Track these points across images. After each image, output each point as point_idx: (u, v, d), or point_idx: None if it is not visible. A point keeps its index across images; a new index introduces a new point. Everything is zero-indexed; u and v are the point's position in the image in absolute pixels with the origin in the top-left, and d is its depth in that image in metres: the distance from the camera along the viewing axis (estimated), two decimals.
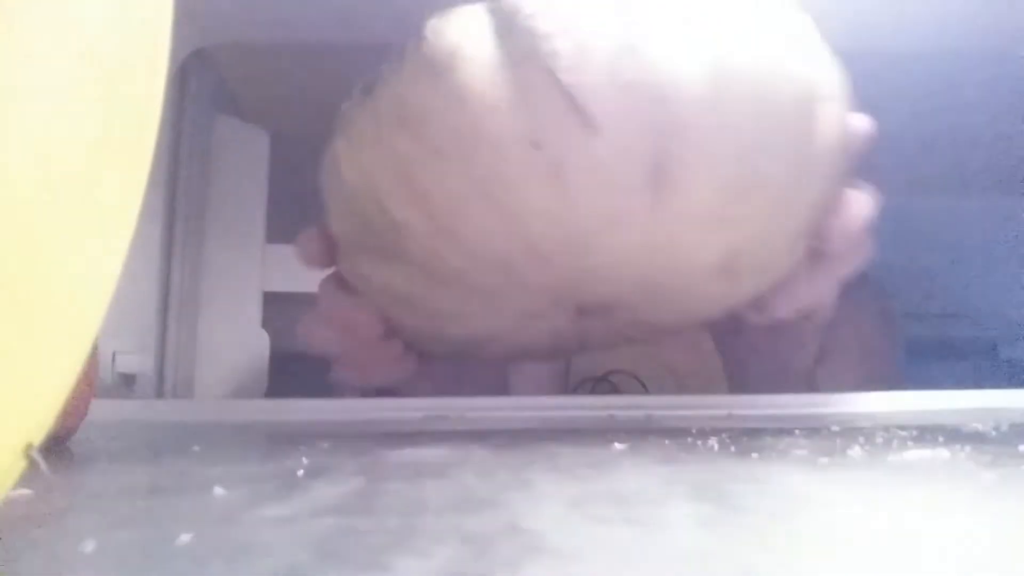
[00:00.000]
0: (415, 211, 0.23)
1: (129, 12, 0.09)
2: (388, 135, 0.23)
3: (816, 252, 0.27)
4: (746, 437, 0.22)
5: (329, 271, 0.29)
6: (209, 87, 0.50)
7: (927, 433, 0.22)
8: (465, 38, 0.22)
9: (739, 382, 0.37)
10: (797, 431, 0.23)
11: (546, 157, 0.21)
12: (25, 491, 0.14)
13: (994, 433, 0.22)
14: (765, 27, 0.23)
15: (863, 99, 0.50)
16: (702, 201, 0.23)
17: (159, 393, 0.45)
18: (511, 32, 0.22)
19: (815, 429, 0.23)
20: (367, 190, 0.24)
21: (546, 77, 0.21)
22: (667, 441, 0.21)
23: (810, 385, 0.37)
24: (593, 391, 0.46)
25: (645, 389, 0.45)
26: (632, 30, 0.21)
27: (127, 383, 0.41)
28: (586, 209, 0.22)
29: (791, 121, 0.23)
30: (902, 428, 0.23)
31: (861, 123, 0.28)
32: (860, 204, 0.28)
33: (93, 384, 0.22)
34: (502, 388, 0.38)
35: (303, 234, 0.27)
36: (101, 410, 0.23)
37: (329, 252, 0.27)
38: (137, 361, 0.41)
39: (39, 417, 0.11)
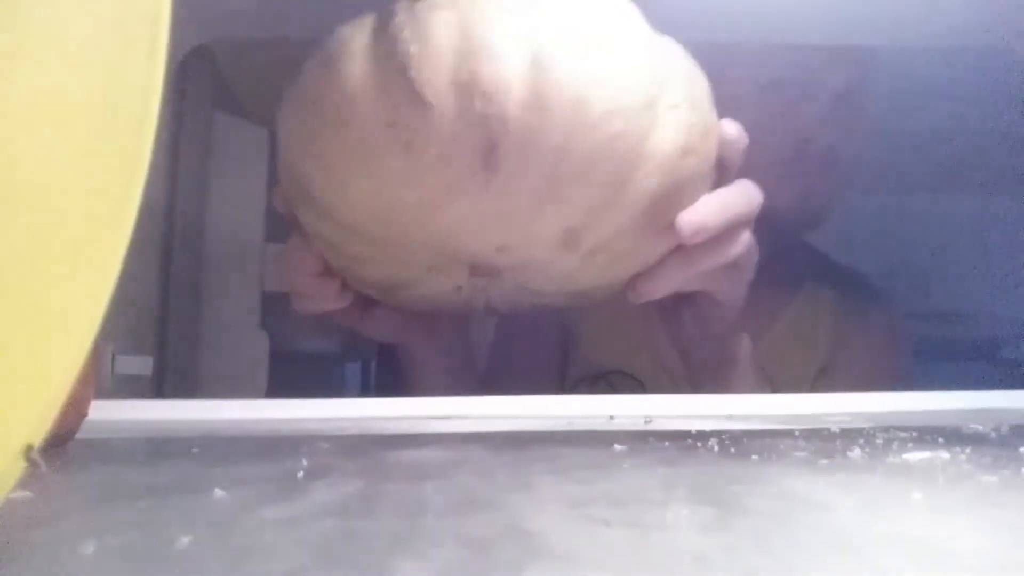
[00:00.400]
0: (314, 167, 0.29)
1: (126, 9, 0.09)
2: (297, 108, 0.30)
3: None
4: (746, 439, 0.22)
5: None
6: (208, 84, 0.50)
7: (927, 435, 0.22)
8: (352, 37, 0.29)
9: (690, 374, 0.39)
10: (797, 432, 0.23)
11: (399, 134, 0.27)
12: (25, 493, 0.14)
13: (994, 435, 0.22)
14: (597, 41, 0.27)
15: (863, 97, 0.50)
16: (526, 184, 0.27)
17: (159, 394, 0.45)
18: (384, 35, 0.28)
19: (815, 430, 0.23)
20: (287, 148, 0.31)
21: (401, 73, 0.27)
22: (667, 443, 0.21)
23: (761, 377, 0.38)
24: (591, 391, 0.46)
25: (643, 388, 0.45)
26: (471, 41, 0.26)
27: (127, 384, 0.41)
28: (431, 179, 0.27)
29: (614, 126, 0.27)
30: (902, 430, 0.23)
31: (729, 129, 0.31)
32: (718, 204, 0.30)
33: (92, 385, 0.22)
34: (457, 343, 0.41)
35: (276, 187, 0.34)
36: (100, 411, 0.22)
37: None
38: (136, 362, 0.41)
39: (38, 418, 0.11)
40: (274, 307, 0.51)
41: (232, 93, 0.53)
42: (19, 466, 0.11)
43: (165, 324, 0.46)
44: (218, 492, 0.15)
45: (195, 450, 0.21)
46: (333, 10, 0.32)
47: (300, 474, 0.17)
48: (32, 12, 0.07)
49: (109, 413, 0.26)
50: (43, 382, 0.11)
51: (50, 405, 0.11)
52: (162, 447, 0.24)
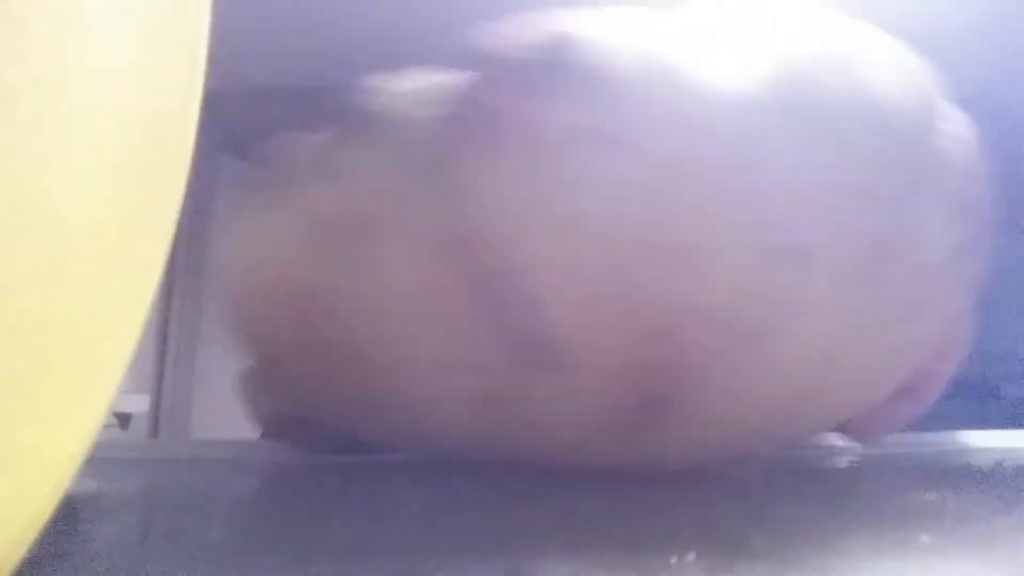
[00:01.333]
0: None
1: (165, 63, 0.09)
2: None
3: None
4: (752, 478, 0.22)
5: None
6: (215, 129, 0.51)
7: (932, 474, 0.22)
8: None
9: None
10: (802, 472, 0.22)
11: (481, 383, 0.15)
12: None
13: (999, 474, 0.22)
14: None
15: None
16: (713, 427, 0.18)
17: (154, 432, 0.44)
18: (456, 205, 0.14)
19: (820, 470, 0.23)
20: None
21: (494, 276, 0.14)
22: (672, 482, 0.21)
23: None
24: None
25: None
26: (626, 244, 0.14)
27: (123, 421, 0.41)
28: (543, 441, 0.18)
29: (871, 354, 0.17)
30: (907, 469, 0.22)
31: None
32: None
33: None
34: None
35: None
36: (95, 449, 0.22)
37: None
38: (133, 400, 0.41)
39: (70, 459, 0.11)
40: None
41: (238, 138, 0.54)
42: (44, 516, 0.11)
43: (163, 363, 0.46)
44: (215, 536, 0.15)
45: (194, 491, 0.21)
46: (339, 57, 0.32)
47: (299, 514, 0.17)
48: (72, 67, 0.08)
49: (104, 451, 0.26)
50: (69, 435, 0.11)
51: (79, 449, 0.11)
52: (158, 487, 0.23)
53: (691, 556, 0.13)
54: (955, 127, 0.20)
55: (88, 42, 0.08)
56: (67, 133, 0.07)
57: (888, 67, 0.18)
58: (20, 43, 0.07)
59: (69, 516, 0.19)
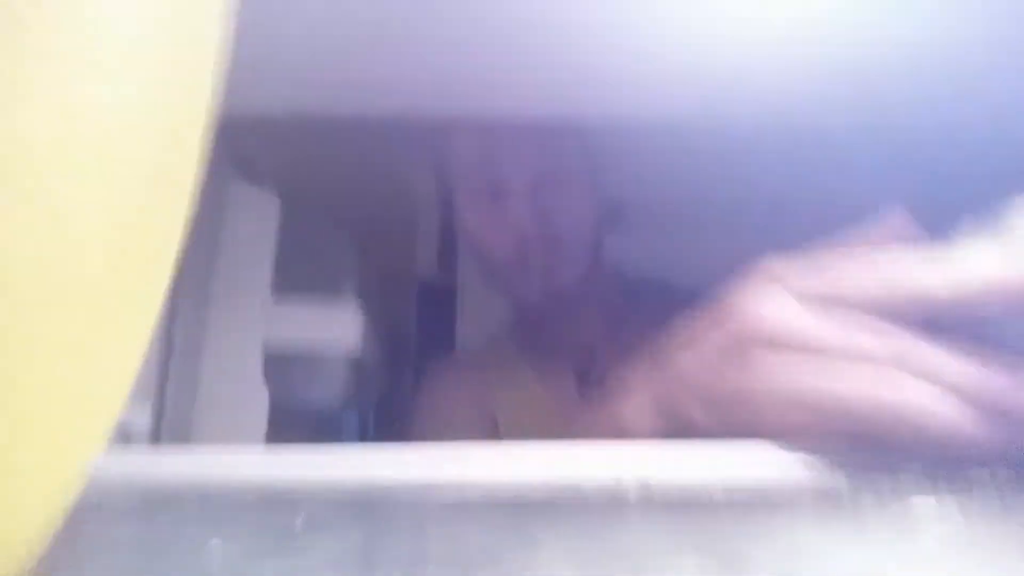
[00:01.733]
0: None
1: (175, 83, 0.09)
2: None
3: None
4: (751, 490, 0.21)
5: None
6: (223, 150, 0.51)
7: (932, 481, 0.21)
8: None
9: None
10: (801, 481, 0.22)
11: None
12: None
13: (999, 480, 0.22)
14: None
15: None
16: None
17: (156, 439, 0.44)
18: None
19: (820, 479, 0.23)
20: None
21: None
22: (672, 495, 0.21)
23: None
24: None
25: None
26: None
27: (123, 433, 0.41)
28: None
29: None
30: (908, 475, 0.22)
31: None
32: None
33: None
34: None
35: None
36: (96, 460, 0.22)
37: None
38: (135, 411, 0.41)
39: (75, 472, 0.11)
40: (276, 363, 0.51)
41: (245, 158, 0.54)
42: (54, 522, 0.11)
43: (165, 375, 0.46)
44: (216, 547, 0.15)
45: (192, 502, 0.20)
46: (345, 86, 0.32)
47: (299, 527, 0.17)
48: (86, 84, 0.08)
49: (104, 463, 0.26)
50: (73, 451, 0.11)
51: (84, 461, 0.11)
52: (157, 498, 0.23)
53: (690, 563, 0.13)
54: None
55: (102, 66, 0.08)
56: (77, 155, 0.07)
57: None
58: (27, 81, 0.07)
59: (70, 524, 0.18)
